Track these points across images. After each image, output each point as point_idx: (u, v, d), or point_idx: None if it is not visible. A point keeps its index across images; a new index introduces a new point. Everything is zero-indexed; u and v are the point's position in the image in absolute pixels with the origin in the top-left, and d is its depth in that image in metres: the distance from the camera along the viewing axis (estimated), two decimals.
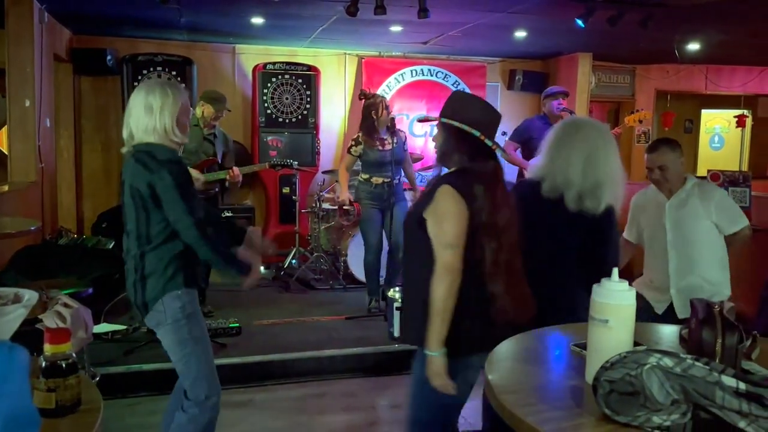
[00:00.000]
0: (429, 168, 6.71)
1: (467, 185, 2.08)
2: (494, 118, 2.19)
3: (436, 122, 2.21)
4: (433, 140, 2.33)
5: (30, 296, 1.20)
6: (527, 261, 2.20)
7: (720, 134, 10.23)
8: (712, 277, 3.06)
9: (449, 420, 2.25)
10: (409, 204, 5.78)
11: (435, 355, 2.03)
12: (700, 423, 1.27)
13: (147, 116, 2.41)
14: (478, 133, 2.09)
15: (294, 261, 6.31)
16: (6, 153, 5.93)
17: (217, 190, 5.07)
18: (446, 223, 2.06)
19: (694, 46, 6.96)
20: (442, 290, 2.03)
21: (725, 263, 3.11)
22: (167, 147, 2.44)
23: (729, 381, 1.25)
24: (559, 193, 2.37)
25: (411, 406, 2.25)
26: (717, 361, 1.48)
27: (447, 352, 2.05)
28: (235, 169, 4.91)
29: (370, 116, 4.98)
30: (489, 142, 2.11)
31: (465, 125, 2.10)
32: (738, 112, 9.42)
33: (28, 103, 5.50)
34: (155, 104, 2.40)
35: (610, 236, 2.42)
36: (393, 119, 5.03)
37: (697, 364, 1.28)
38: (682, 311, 3.02)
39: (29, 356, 0.72)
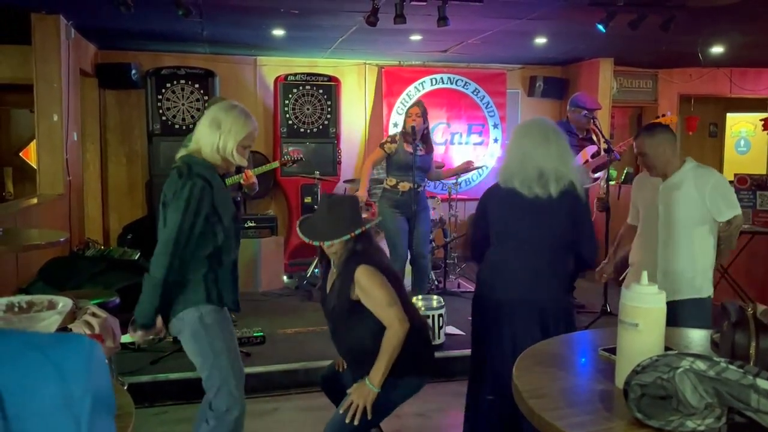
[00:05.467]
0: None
1: (371, 260, 2.51)
2: (350, 206, 2.61)
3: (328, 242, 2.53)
4: (331, 251, 2.62)
5: (64, 303, 1.22)
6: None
7: (746, 138, 10.06)
8: (697, 263, 2.99)
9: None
10: (432, 211, 5.75)
11: (376, 390, 2.43)
12: (735, 427, 1.25)
13: (211, 129, 2.45)
14: (358, 231, 2.50)
15: (317, 270, 6.33)
16: (35, 166, 6.05)
17: (239, 198, 5.11)
18: (376, 290, 2.45)
19: (717, 49, 6.88)
20: (399, 339, 2.42)
21: (710, 251, 3.02)
22: (208, 163, 2.45)
23: (764, 384, 1.22)
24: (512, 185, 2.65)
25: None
26: (751, 364, 1.45)
27: (395, 373, 2.46)
28: (248, 171, 4.87)
29: (404, 124, 5.14)
30: (359, 230, 2.51)
31: (344, 236, 2.48)
32: (764, 115, 9.27)
33: (55, 118, 5.62)
34: (225, 124, 2.44)
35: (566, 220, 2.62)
36: (413, 128, 4.97)
37: (730, 367, 1.26)
38: (668, 296, 2.95)
39: None
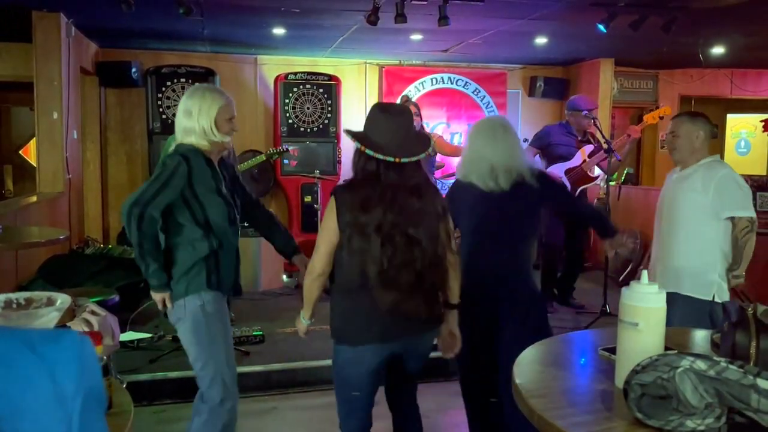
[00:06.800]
0: (451, 175, 6.70)
1: (349, 193, 2.20)
2: (375, 125, 2.22)
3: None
4: None
5: (63, 300, 1.21)
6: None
7: (746, 139, 10.06)
8: (692, 257, 2.89)
9: (359, 405, 2.42)
10: None
11: (305, 322, 2.43)
12: (735, 427, 1.24)
13: (186, 119, 2.50)
14: (359, 145, 2.18)
15: None
16: (35, 164, 6.04)
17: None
18: (323, 223, 2.27)
19: (718, 50, 6.88)
20: (307, 282, 2.32)
21: (714, 252, 2.87)
22: (193, 146, 2.49)
23: (765, 384, 1.22)
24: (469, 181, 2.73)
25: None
26: (751, 364, 1.45)
27: (343, 343, 2.30)
28: None
29: None
30: (367, 150, 2.15)
31: (351, 137, 2.22)
32: (764, 116, 9.27)
33: (55, 116, 5.61)
34: (194, 108, 2.49)
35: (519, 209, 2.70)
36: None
37: (731, 367, 1.25)
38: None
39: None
